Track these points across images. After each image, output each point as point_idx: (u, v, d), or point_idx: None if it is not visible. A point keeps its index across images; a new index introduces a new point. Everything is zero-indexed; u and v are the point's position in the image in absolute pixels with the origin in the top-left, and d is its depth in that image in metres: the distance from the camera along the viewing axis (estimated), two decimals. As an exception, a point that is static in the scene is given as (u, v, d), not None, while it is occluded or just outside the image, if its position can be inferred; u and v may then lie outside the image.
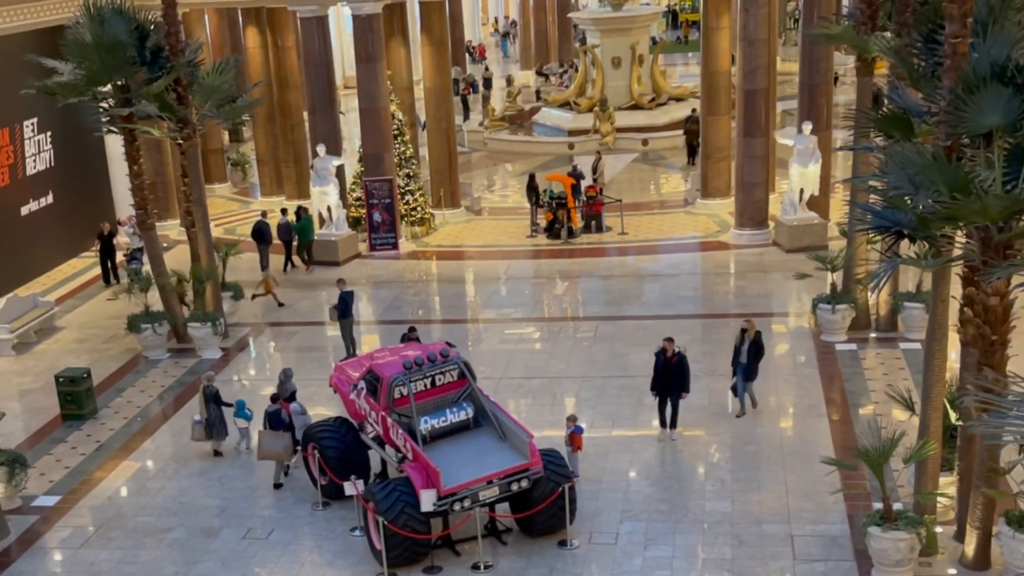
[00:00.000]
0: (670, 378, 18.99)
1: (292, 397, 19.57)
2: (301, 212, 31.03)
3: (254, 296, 27.60)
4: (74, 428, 21.60)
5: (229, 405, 20.23)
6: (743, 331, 19.99)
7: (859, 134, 18.61)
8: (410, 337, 21.45)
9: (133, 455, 20.46)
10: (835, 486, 16.75)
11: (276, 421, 19.05)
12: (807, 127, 28.05)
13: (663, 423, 19.36)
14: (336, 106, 32.31)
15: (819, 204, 29.04)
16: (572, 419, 18.04)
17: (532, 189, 32.84)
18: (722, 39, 31.82)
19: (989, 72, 12.91)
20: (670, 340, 19.17)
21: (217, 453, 20.17)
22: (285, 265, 30.48)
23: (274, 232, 30.68)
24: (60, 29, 29.94)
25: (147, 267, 26.58)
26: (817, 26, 25.17)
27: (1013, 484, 14.70)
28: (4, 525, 17.57)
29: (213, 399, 19.95)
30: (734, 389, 20.12)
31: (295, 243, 30.58)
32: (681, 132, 40.28)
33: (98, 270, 30.80)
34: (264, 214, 31.51)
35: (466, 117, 48.56)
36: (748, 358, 19.79)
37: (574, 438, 17.85)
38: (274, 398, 19.58)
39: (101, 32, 23.20)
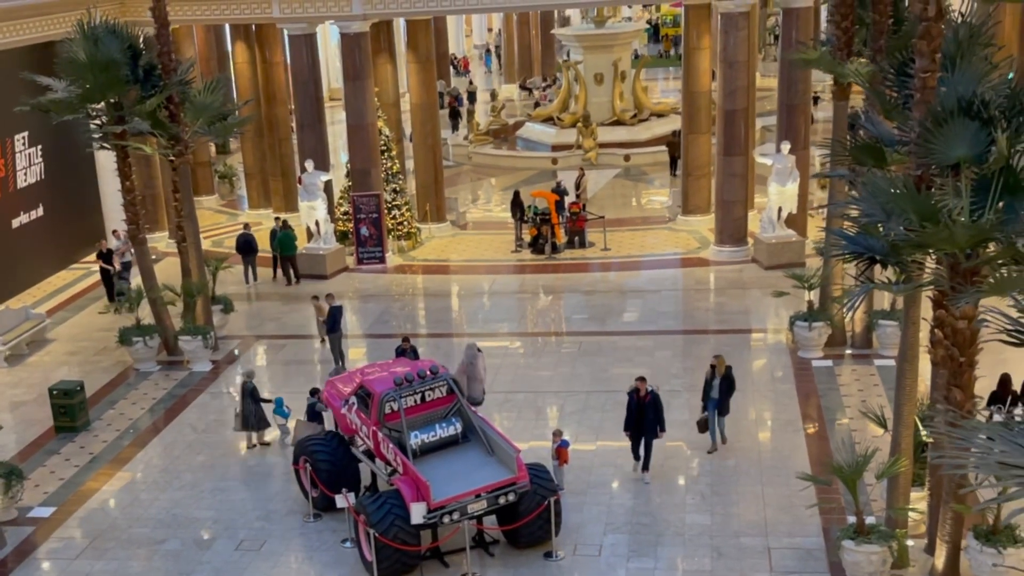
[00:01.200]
0: (644, 417, 18.68)
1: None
2: (282, 226, 31.57)
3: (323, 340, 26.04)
4: (67, 440, 22.00)
5: (268, 401, 21.31)
6: (713, 367, 19.70)
7: (835, 161, 19.22)
8: (404, 348, 21.94)
9: (126, 467, 20.87)
10: (811, 500, 17.31)
11: (313, 413, 20.15)
12: (785, 147, 28.69)
13: (636, 458, 19.05)
14: (324, 122, 32.77)
15: (797, 222, 29.68)
16: (558, 434, 18.56)
17: (517, 205, 33.39)
18: (703, 59, 32.42)
19: (956, 107, 13.50)
20: (642, 380, 18.85)
21: (264, 443, 21.22)
22: (274, 274, 31.01)
23: (266, 242, 31.26)
24: (51, 45, 30.40)
25: (136, 280, 26.96)
26: (795, 51, 25.79)
27: (981, 500, 15.28)
28: (1, 536, 17.96)
29: (250, 395, 20.81)
30: (701, 425, 19.70)
31: (278, 257, 31.06)
32: (663, 147, 40.94)
33: (88, 282, 31.25)
34: (247, 226, 32.01)
35: (455, 128, 49.06)
36: (720, 393, 19.57)
37: (560, 452, 18.37)
38: (313, 392, 20.54)
39: (95, 51, 23.60)
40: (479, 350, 20.19)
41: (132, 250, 27.90)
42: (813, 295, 23.80)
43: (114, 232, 30.50)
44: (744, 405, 21.46)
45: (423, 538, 16.49)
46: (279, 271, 31.07)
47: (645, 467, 18.84)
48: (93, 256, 30.72)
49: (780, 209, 29.10)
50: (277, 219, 32.15)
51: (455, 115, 50.85)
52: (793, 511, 17.55)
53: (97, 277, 30.65)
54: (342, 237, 32.25)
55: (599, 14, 44.68)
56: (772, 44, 61.93)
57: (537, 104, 52.64)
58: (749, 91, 31.25)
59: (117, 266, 29.45)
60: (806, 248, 29.13)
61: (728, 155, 30.27)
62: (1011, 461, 8.36)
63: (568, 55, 47.33)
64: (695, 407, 21.20)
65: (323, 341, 25.80)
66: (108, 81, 23.67)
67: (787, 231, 29.38)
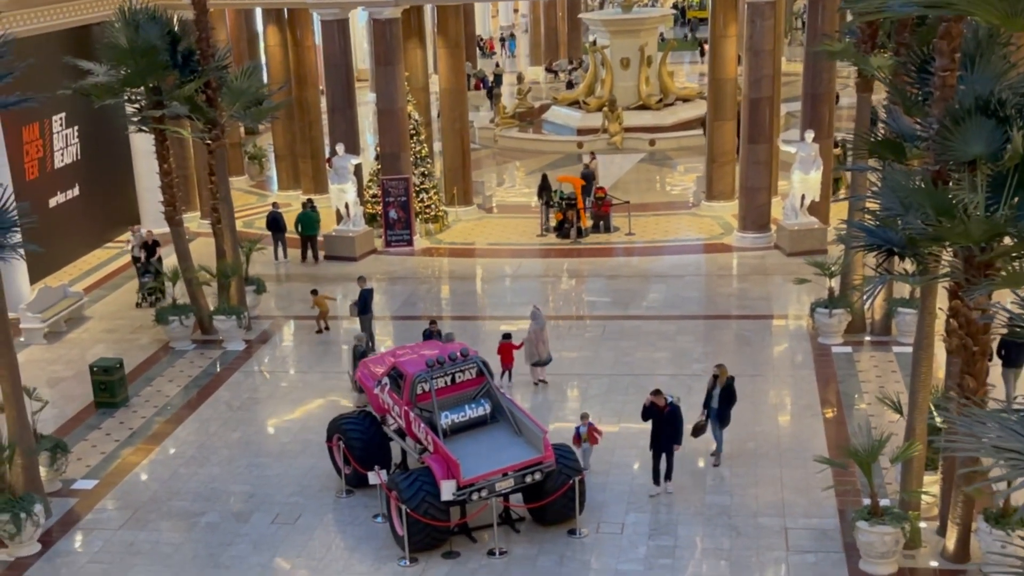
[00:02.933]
0: (662, 430, 18.20)
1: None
2: (306, 205, 32.34)
3: (319, 331, 26.70)
4: (107, 415, 22.71)
5: None
6: (715, 376, 19.29)
7: (857, 155, 19.67)
8: (432, 330, 22.58)
9: (164, 442, 21.55)
10: (827, 483, 17.87)
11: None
12: (809, 135, 29.06)
13: (656, 480, 18.45)
14: (355, 106, 33.36)
15: (819, 210, 30.09)
16: (585, 417, 19.15)
17: (544, 189, 33.92)
18: (729, 47, 32.80)
19: (974, 105, 13.97)
20: (657, 393, 18.29)
21: None
22: (303, 257, 31.74)
23: (291, 224, 32.03)
24: (88, 29, 31.15)
25: (172, 260, 27.60)
26: (820, 42, 26.17)
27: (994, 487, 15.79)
28: (47, 507, 18.69)
29: (362, 358, 21.25)
30: (697, 430, 19.22)
31: (302, 236, 31.86)
32: (691, 132, 41.37)
33: (122, 261, 32.02)
34: (276, 205, 32.77)
35: (491, 98, 49.41)
36: (720, 404, 19.14)
37: (591, 432, 18.91)
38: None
39: (135, 36, 24.27)
40: (538, 309, 22.00)
41: (149, 242, 28.84)
42: (834, 282, 24.25)
43: (132, 228, 31.02)
44: (764, 389, 22.00)
45: (452, 514, 17.10)
46: (308, 252, 31.82)
47: (668, 476, 18.41)
48: (127, 237, 31.35)
49: (803, 197, 29.52)
50: (307, 202, 32.84)
51: (491, 95, 51.09)
52: (810, 493, 18.08)
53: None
54: (371, 219, 32.86)
55: (626, -1, 45.11)
56: (799, 29, 62.05)
57: (571, 84, 52.96)
58: (774, 80, 31.65)
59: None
60: (828, 236, 29.55)
61: (752, 142, 30.70)
62: (1004, 445, 8.97)
63: (595, 41, 47.64)
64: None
65: (319, 332, 26.48)
66: (148, 66, 24.32)
67: (810, 219, 29.81)
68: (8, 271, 24.14)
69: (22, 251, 18.20)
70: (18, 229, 18.02)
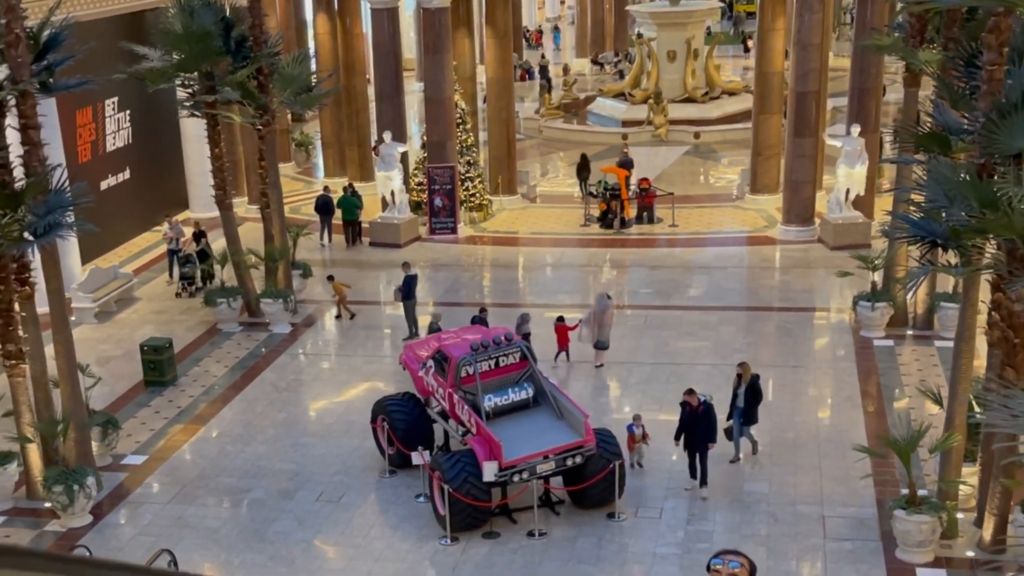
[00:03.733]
0: (696, 429, 18.04)
1: (524, 339, 21.32)
2: (347, 190, 32.86)
3: (338, 316, 27.06)
4: (156, 394, 23.18)
5: None
6: (738, 375, 19.16)
7: (903, 148, 19.73)
8: (481, 318, 22.88)
9: (211, 420, 21.99)
10: (866, 472, 17.99)
11: None
12: (855, 130, 29.05)
13: (693, 474, 18.27)
14: (403, 94, 33.70)
15: (864, 204, 30.07)
16: (638, 418, 19.08)
17: (584, 168, 34.13)
18: (777, 40, 32.82)
19: (1021, 99, 14.04)
20: (691, 392, 18.24)
21: None
22: (347, 240, 32.19)
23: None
24: (143, 14, 31.65)
25: (221, 242, 28.07)
26: (869, 37, 26.17)
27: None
28: (99, 480, 19.14)
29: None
30: (728, 433, 18.95)
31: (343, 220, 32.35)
32: (736, 126, 41.46)
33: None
34: (326, 188, 33.28)
35: (549, 91, 49.60)
36: (745, 402, 18.94)
37: (645, 434, 18.93)
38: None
39: (190, 22, 24.69)
40: (609, 298, 22.21)
41: (181, 237, 29.28)
42: (877, 276, 24.28)
43: (167, 217, 31.38)
44: (805, 381, 22.12)
45: (493, 495, 17.38)
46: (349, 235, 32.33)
47: (703, 482, 18.12)
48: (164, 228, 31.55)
49: (848, 191, 29.52)
50: (347, 187, 33.31)
51: (548, 83, 51.16)
52: (848, 483, 18.21)
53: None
54: (416, 207, 33.19)
55: (674, -8, 45.13)
56: (847, 23, 61.75)
57: (622, 75, 52.97)
58: (821, 74, 31.64)
59: (186, 247, 30.11)
60: (872, 230, 29.53)
61: (798, 136, 30.73)
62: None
63: (641, 33, 47.72)
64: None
65: (338, 317, 26.84)
66: (202, 51, 24.74)
67: (854, 212, 29.81)
68: (61, 251, 24.58)
69: (76, 231, 18.64)
70: (73, 209, 18.46)
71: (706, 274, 28.99)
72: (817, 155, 31.81)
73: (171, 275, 29.76)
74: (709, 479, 18.23)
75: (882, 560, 16.18)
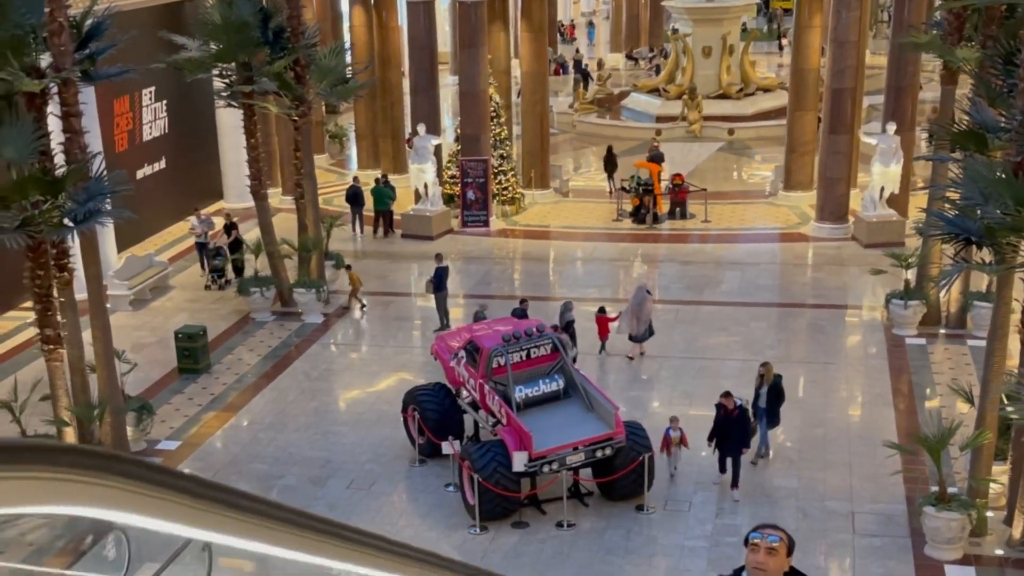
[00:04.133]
0: (730, 432, 17.89)
1: (567, 327, 21.34)
2: (379, 180, 32.97)
3: (347, 307, 27.13)
4: (190, 381, 23.41)
5: None
6: (760, 375, 19.03)
7: (939, 145, 19.66)
8: (521, 309, 22.99)
9: (244, 408, 22.20)
10: (896, 469, 17.95)
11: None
12: (891, 127, 28.90)
13: (722, 469, 18.21)
14: (437, 87, 33.83)
15: (898, 202, 29.94)
16: (675, 420, 18.68)
17: (610, 160, 34.21)
18: (813, 37, 32.72)
19: (1058, 97, 14.01)
20: (728, 395, 18.07)
21: None
22: (375, 231, 32.38)
23: (370, 199, 32.64)
24: (182, 5, 31.91)
25: (256, 233, 28.28)
26: (906, 34, 26.06)
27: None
28: (132, 464, 19.33)
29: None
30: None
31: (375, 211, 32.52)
32: (771, 123, 41.37)
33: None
34: (356, 179, 33.45)
35: (586, 86, 49.59)
36: (768, 403, 18.81)
37: (683, 437, 18.65)
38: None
39: (229, 13, 24.88)
40: (648, 292, 22.30)
41: (209, 231, 29.47)
42: (910, 274, 24.20)
43: (195, 211, 31.54)
44: (836, 378, 22.09)
45: (523, 485, 17.49)
46: (380, 226, 32.49)
47: (735, 483, 18.02)
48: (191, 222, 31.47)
49: (882, 189, 29.40)
50: (380, 177, 33.47)
51: (586, 78, 51.16)
52: (878, 480, 18.18)
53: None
54: (448, 200, 33.31)
55: (710, -12, 45.03)
56: (884, 22, 61.36)
57: (659, 69, 52.84)
58: (858, 71, 31.51)
59: (214, 240, 30.01)
60: (906, 228, 29.40)
61: (833, 133, 30.62)
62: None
63: (675, 28, 47.64)
64: (788, 376, 21.52)
65: (346, 308, 26.85)
66: (240, 42, 24.94)
67: (888, 211, 29.68)
68: (98, 239, 24.89)
69: (115, 218, 18.86)
70: (111, 197, 18.69)
71: (738, 270, 28.96)
72: (852, 152, 31.68)
73: (203, 267, 29.98)
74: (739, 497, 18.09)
75: (911, 556, 16.16)
